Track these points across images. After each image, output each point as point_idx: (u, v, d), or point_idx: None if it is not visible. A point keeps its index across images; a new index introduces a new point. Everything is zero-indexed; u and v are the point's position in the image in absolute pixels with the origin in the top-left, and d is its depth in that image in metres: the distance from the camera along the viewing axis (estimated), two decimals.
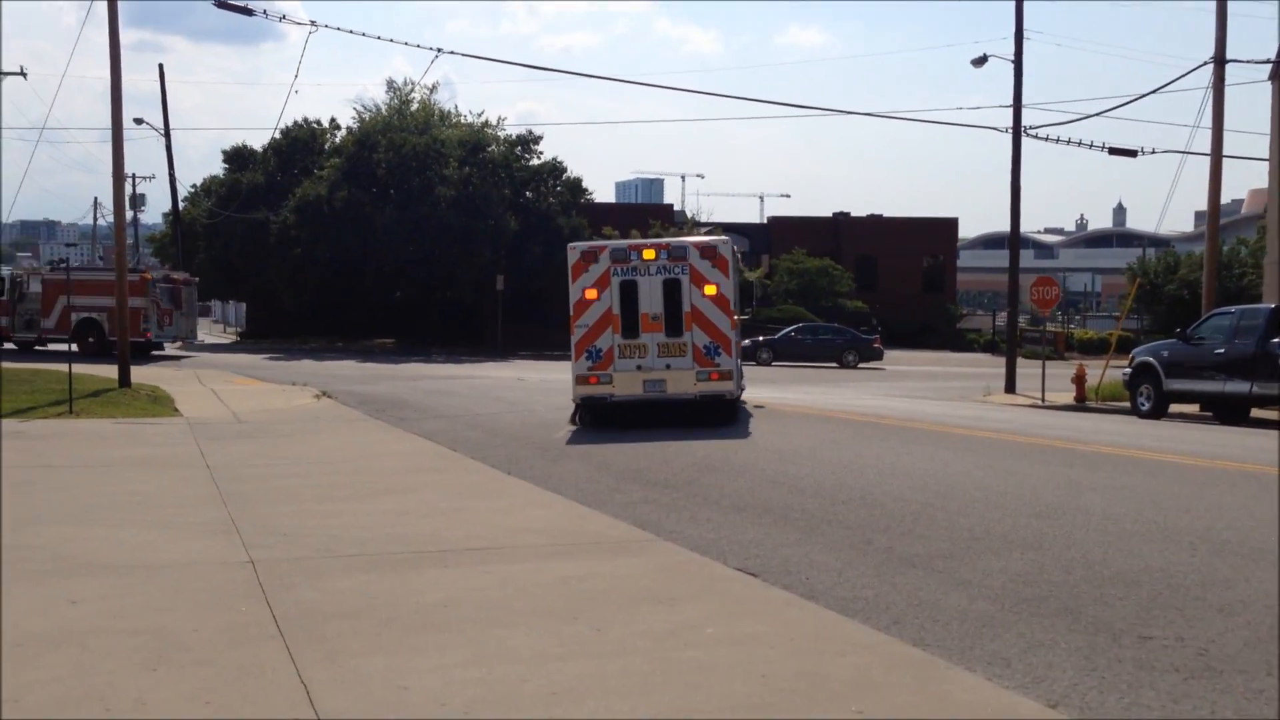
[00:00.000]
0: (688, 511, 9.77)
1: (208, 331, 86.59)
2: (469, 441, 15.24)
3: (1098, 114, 33.50)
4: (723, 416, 17.42)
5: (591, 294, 17.07)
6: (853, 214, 69.54)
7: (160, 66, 53.51)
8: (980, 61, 29.81)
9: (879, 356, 42.50)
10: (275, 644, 5.65)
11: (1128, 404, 22.60)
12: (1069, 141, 29.23)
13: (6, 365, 26.93)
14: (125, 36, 23.07)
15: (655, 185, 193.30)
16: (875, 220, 69.60)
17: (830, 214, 68.95)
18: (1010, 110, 28.92)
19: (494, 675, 5.19)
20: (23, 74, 46.16)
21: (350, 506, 9.85)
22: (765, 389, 26.25)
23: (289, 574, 7.15)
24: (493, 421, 18.24)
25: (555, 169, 55.62)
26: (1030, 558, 7.72)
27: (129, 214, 44.24)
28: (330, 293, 53.73)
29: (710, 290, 17.07)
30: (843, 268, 60.51)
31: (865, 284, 63.03)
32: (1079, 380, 24.02)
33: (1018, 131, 28.77)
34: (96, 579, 6.98)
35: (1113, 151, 29.53)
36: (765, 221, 71.09)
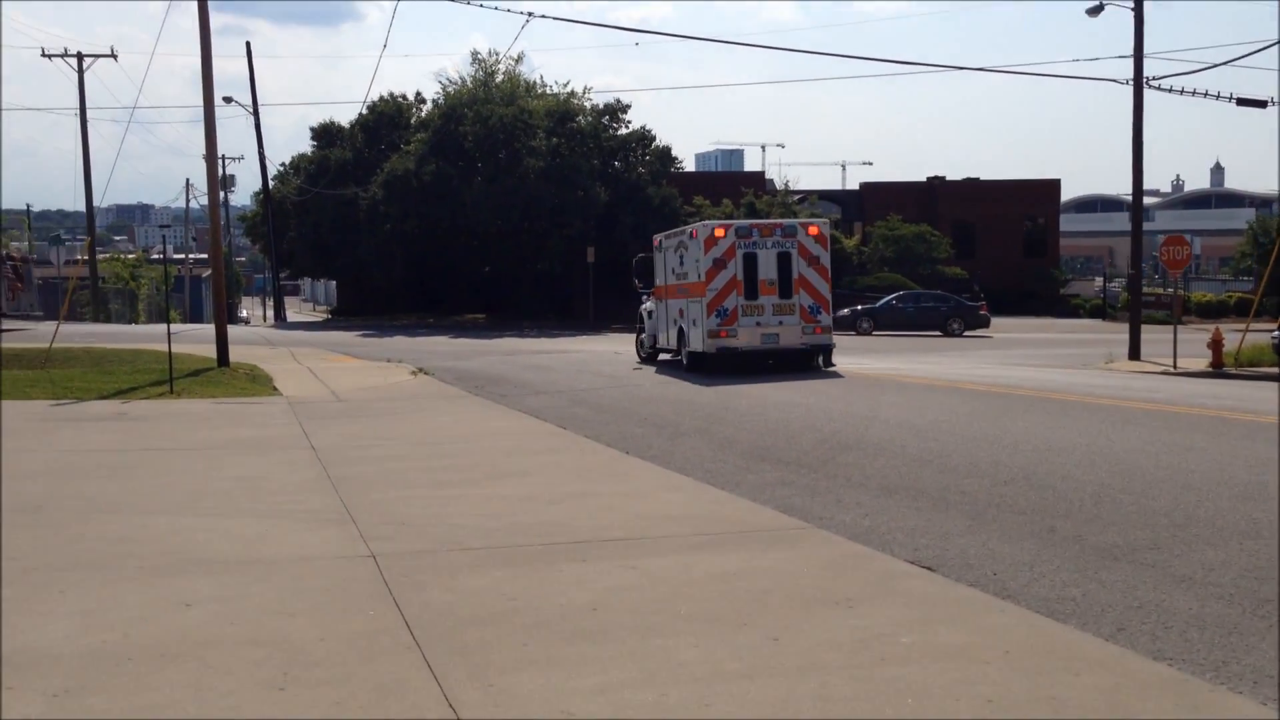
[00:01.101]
0: (832, 494, 8.94)
1: (297, 310, 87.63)
2: (577, 419, 14.55)
3: (1225, 63, 31.47)
4: (824, 363, 21.17)
5: (720, 264, 20.57)
6: (948, 178, 67.39)
7: (248, 44, 54.02)
8: (1096, 10, 28.17)
9: (985, 324, 40.96)
10: (412, 656, 4.96)
11: (1271, 369, 21.15)
12: (1193, 93, 27.58)
13: (109, 345, 26.96)
14: (210, 20, 22.59)
15: (735, 155, 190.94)
16: (972, 184, 67.31)
17: (924, 179, 66.92)
18: (1131, 61, 27.32)
19: (670, 700, 4.43)
20: (113, 55, 46.44)
21: (468, 491, 9.17)
22: (874, 359, 25.19)
23: (415, 570, 6.47)
24: (597, 397, 17.55)
25: (644, 138, 54.55)
26: (1252, 548, 6.75)
27: (220, 194, 44.20)
28: (420, 268, 53.52)
29: (814, 261, 20.94)
30: (940, 233, 58.64)
31: (963, 250, 61.02)
32: (1216, 345, 22.54)
33: (1139, 83, 27.15)
34: (210, 577, 6.36)
35: (1241, 102, 27.74)
36: (857, 188, 69.26)
